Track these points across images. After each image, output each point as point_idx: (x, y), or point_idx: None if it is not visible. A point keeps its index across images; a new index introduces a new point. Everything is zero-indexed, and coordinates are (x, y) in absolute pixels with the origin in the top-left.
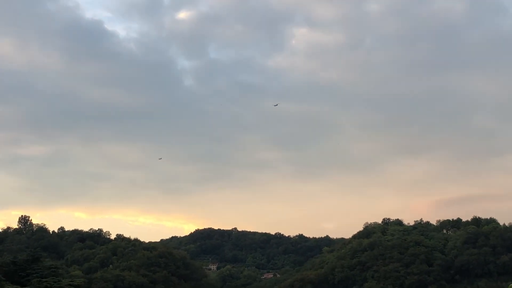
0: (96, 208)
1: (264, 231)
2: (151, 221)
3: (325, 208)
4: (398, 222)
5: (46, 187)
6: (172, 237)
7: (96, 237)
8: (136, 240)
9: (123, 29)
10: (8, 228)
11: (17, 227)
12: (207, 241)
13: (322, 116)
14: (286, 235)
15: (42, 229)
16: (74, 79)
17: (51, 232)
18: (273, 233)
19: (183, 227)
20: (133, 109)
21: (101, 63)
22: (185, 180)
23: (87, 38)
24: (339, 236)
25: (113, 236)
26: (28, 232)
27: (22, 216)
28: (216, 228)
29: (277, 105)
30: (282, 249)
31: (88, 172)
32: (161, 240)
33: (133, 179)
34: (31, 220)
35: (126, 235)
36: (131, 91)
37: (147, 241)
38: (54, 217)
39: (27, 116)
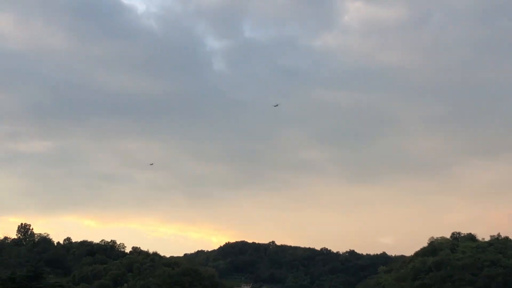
0: (109, 216)
1: (307, 246)
2: (173, 232)
3: (381, 219)
4: (471, 237)
5: (49, 190)
6: (198, 251)
7: (109, 250)
8: (155, 254)
9: (142, 3)
10: (6, 238)
11: (15, 237)
12: (240, 256)
13: (379, 108)
14: (334, 251)
15: (45, 240)
16: (84, 62)
17: (55, 243)
18: (318, 248)
19: (211, 239)
20: (153, 98)
21: (115, 44)
22: (214, 184)
23: (99, 14)
24: (398, 253)
25: (128, 249)
26: (28, 243)
27: (21, 224)
28: (250, 241)
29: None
30: (329, 267)
31: (99, 173)
32: (185, 254)
33: (152, 182)
34: (32, 229)
35: (144, 248)
36: (151, 77)
37: (168, 255)
38: (59, 226)
39: (29, 105)
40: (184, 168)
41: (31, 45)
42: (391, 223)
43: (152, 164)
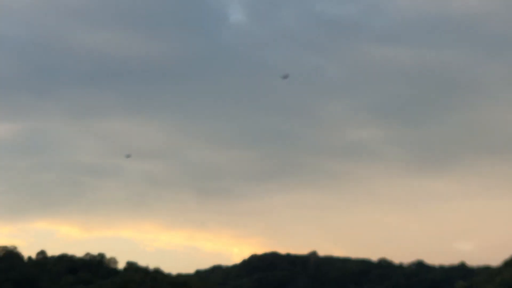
0: (95, 221)
1: (360, 257)
2: (179, 242)
3: (458, 218)
4: None
5: (16, 189)
6: (215, 266)
7: (96, 267)
8: (157, 271)
9: None
10: None
11: None
12: (270, 272)
13: (453, 69)
14: (396, 262)
15: (12, 254)
16: (56, 17)
17: (25, 258)
18: (375, 259)
19: (232, 250)
20: (149, 63)
21: None
22: (233, 176)
23: None
24: (481, 263)
25: (121, 265)
26: None
27: None
28: (283, 252)
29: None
30: (389, 284)
31: (80, 164)
32: (197, 271)
33: (151, 175)
34: None
35: (142, 263)
36: (145, 35)
37: (174, 272)
38: (30, 235)
39: None
40: (191, 156)
41: None
42: (471, 224)
43: (129, 156)
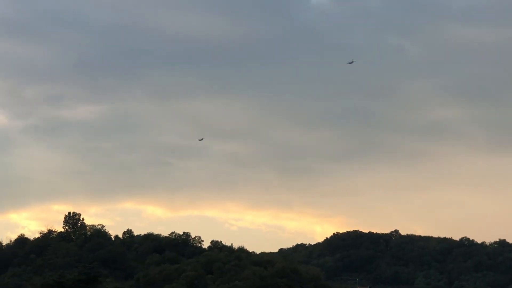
0: (180, 201)
1: (442, 236)
2: (263, 221)
3: None
4: None
5: (102, 169)
6: (298, 245)
7: (181, 246)
8: (241, 250)
9: None
10: (50, 231)
11: (63, 230)
12: (352, 251)
13: None
14: (479, 242)
15: (100, 233)
16: (140, 2)
17: (113, 237)
18: (457, 238)
19: (314, 229)
20: (231, 45)
21: None
22: (315, 156)
23: None
24: None
25: (206, 244)
26: (79, 237)
27: (69, 213)
28: (366, 231)
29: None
30: (472, 263)
31: (165, 145)
32: (280, 250)
33: (234, 155)
34: (83, 219)
35: (226, 242)
36: (227, 18)
37: (258, 251)
38: (116, 215)
39: (72, 59)
40: (274, 136)
41: None
42: None
43: (201, 139)
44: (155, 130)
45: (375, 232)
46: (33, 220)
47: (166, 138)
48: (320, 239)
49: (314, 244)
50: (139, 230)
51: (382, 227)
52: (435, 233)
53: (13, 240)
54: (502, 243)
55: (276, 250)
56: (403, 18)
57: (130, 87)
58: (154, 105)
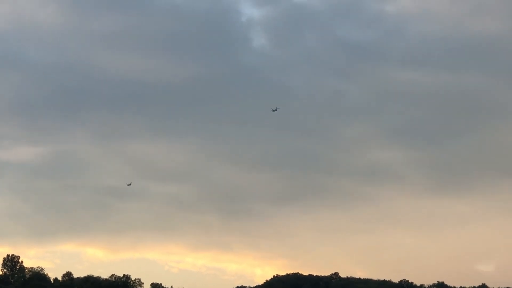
0: (120, 243)
1: (382, 278)
2: (204, 263)
3: (479, 240)
4: None
5: (42, 211)
6: (238, 287)
7: None
8: None
9: None
10: None
11: (1, 272)
12: None
13: (472, 92)
14: (418, 284)
15: (39, 276)
16: (82, 42)
17: (52, 280)
18: (396, 280)
19: (255, 271)
20: (173, 86)
21: (122, 16)
22: (255, 198)
23: None
24: (502, 285)
25: (146, 286)
26: (17, 280)
27: (7, 256)
28: (306, 273)
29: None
30: None
31: (105, 186)
32: None
33: (175, 197)
34: (21, 262)
35: (167, 284)
36: (170, 59)
37: None
38: (56, 257)
39: (12, 100)
40: (215, 178)
41: (14, 21)
42: (492, 245)
43: (130, 184)
44: (95, 172)
45: (315, 275)
46: None
47: (107, 179)
48: (261, 281)
49: (255, 287)
50: (79, 272)
51: (322, 270)
52: (375, 276)
53: None
54: (440, 285)
55: None
56: (343, 62)
57: (71, 128)
58: (94, 146)
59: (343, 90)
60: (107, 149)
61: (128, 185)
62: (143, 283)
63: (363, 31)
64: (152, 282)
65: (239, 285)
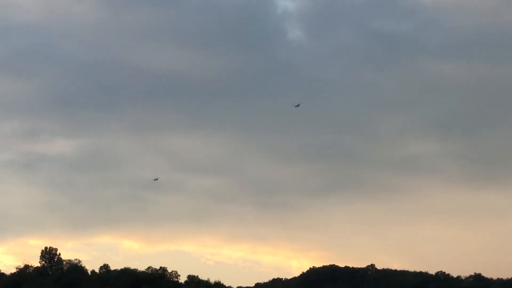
0: (156, 235)
1: (418, 270)
2: (240, 255)
3: None
4: None
5: (79, 204)
6: (274, 279)
7: (158, 280)
8: (218, 284)
9: None
10: (26, 267)
11: (39, 265)
12: (329, 285)
13: (509, 83)
14: (454, 275)
15: (77, 268)
16: (118, 36)
17: (89, 272)
18: (432, 272)
19: (291, 263)
20: (209, 79)
21: (157, 10)
22: (292, 191)
23: None
24: None
25: (183, 279)
26: (55, 272)
27: (45, 248)
28: (342, 265)
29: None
30: None
31: (142, 180)
32: (257, 284)
33: (211, 190)
34: (59, 254)
35: (203, 276)
36: (206, 52)
37: (235, 285)
38: (93, 250)
39: (50, 94)
40: (251, 170)
41: (51, 17)
42: None
43: (156, 179)
44: (132, 164)
45: (351, 267)
46: (9, 255)
47: (143, 172)
48: (297, 273)
49: (291, 279)
50: (115, 265)
51: (358, 262)
52: (411, 267)
53: None
54: (477, 277)
55: (252, 284)
56: (379, 54)
57: (107, 121)
58: (131, 140)
59: (379, 82)
60: (143, 142)
61: (154, 180)
62: (179, 275)
63: (398, 23)
64: (188, 274)
65: (275, 277)
